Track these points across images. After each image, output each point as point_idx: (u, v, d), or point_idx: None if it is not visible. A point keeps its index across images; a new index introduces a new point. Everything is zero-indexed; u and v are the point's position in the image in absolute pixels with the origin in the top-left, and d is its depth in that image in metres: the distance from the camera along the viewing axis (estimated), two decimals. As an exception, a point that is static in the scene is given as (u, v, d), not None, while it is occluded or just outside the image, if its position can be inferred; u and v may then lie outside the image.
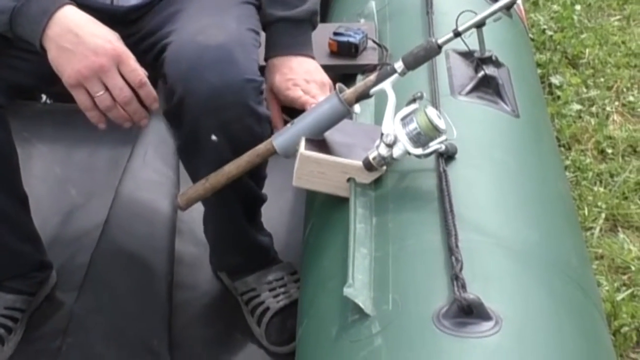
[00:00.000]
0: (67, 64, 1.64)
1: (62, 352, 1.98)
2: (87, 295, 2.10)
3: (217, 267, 2.18)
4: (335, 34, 2.02)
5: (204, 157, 1.81)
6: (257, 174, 1.88)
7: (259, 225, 2.08)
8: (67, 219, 2.36)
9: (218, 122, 1.74)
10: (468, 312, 1.23)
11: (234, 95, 1.71)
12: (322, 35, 2.03)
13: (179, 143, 1.88)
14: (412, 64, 1.56)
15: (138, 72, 1.67)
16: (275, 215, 2.30)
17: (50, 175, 2.52)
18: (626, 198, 2.69)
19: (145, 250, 2.22)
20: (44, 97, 2.70)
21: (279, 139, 1.67)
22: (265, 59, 1.90)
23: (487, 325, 1.22)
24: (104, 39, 1.66)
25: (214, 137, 1.75)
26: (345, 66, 2.00)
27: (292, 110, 1.81)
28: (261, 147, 1.69)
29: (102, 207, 2.32)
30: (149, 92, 1.70)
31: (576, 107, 3.10)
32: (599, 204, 2.65)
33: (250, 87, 1.72)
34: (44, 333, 2.07)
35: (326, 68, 1.92)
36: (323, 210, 1.70)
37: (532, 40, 3.35)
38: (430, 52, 1.56)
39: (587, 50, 3.43)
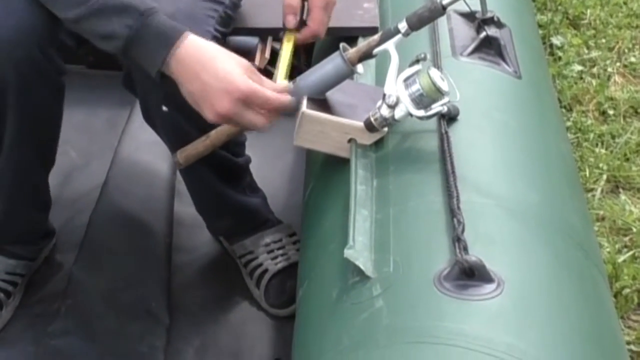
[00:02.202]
0: (201, 106, 1.56)
1: (60, 314, 1.98)
2: (85, 257, 2.10)
3: (211, 232, 2.17)
4: None
5: (161, 126, 1.85)
6: (232, 140, 1.80)
7: (245, 188, 2.06)
8: (66, 181, 2.34)
9: (164, 93, 1.74)
10: (470, 274, 1.22)
11: None
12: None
13: (142, 113, 1.89)
14: (415, 24, 1.55)
15: (270, 101, 1.55)
16: (275, 177, 2.30)
17: (49, 136, 2.51)
18: (627, 159, 2.68)
19: (144, 212, 2.22)
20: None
21: (280, 97, 1.65)
22: None
23: (489, 287, 1.22)
24: (227, 82, 1.53)
25: (164, 108, 1.76)
26: (346, 28, 1.98)
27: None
28: None
29: (101, 168, 2.32)
30: (284, 107, 1.58)
31: (577, 68, 3.08)
32: (600, 165, 2.64)
33: None
34: (42, 295, 2.07)
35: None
36: (323, 172, 1.69)
37: (534, 0, 3.32)
38: (434, 13, 1.54)
39: (588, 11, 3.40)
